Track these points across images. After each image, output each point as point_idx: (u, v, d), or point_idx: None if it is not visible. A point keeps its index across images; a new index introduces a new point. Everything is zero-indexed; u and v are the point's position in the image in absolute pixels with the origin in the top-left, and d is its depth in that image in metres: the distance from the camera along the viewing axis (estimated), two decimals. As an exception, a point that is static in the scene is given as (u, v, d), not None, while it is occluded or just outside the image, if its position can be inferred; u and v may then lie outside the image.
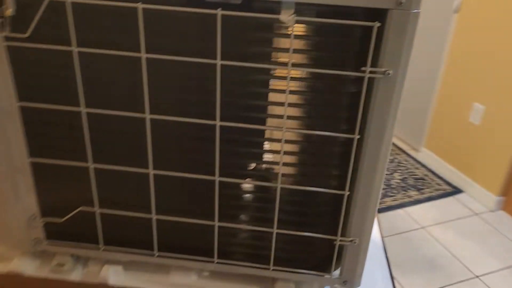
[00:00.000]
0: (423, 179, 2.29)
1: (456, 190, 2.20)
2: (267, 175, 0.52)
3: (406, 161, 2.46)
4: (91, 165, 0.52)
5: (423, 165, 2.42)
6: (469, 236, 1.88)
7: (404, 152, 2.55)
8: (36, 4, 0.44)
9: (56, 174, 0.54)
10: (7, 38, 0.45)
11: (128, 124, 0.49)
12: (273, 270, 0.55)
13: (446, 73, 2.25)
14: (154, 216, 0.54)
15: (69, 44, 0.45)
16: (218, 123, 0.47)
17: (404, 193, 2.16)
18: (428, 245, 1.83)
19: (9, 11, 0.43)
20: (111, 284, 0.57)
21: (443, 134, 2.32)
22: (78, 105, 0.49)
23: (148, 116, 0.48)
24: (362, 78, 0.44)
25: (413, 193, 2.17)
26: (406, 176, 2.31)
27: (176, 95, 0.48)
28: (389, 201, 2.09)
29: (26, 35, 0.45)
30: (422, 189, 2.20)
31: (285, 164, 0.50)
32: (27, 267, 0.59)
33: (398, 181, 2.27)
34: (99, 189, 0.54)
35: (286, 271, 0.56)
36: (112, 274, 0.58)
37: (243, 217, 0.54)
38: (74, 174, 0.53)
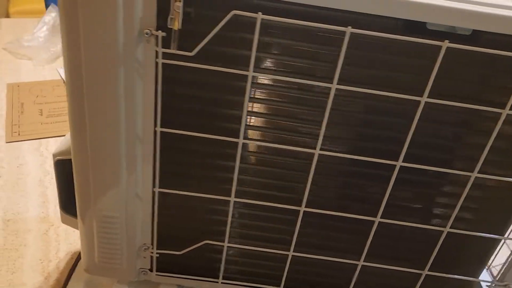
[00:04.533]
0: None
1: None
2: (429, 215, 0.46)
3: None
4: (233, 199, 0.44)
5: None
6: None
7: None
8: (212, 18, 0.35)
9: (178, 204, 0.46)
10: (165, 55, 0.36)
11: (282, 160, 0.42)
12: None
13: None
14: (291, 253, 0.48)
15: (237, 65, 0.37)
16: (399, 163, 0.41)
17: None
18: None
19: (177, 23, 0.34)
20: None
21: None
22: (227, 133, 0.41)
23: (317, 152, 0.41)
24: None
25: None
26: None
27: (348, 128, 0.41)
28: None
29: (192, 53, 0.36)
30: None
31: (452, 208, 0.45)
32: (128, 298, 0.52)
33: None
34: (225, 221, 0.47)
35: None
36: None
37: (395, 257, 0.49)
38: (199, 205, 0.46)
